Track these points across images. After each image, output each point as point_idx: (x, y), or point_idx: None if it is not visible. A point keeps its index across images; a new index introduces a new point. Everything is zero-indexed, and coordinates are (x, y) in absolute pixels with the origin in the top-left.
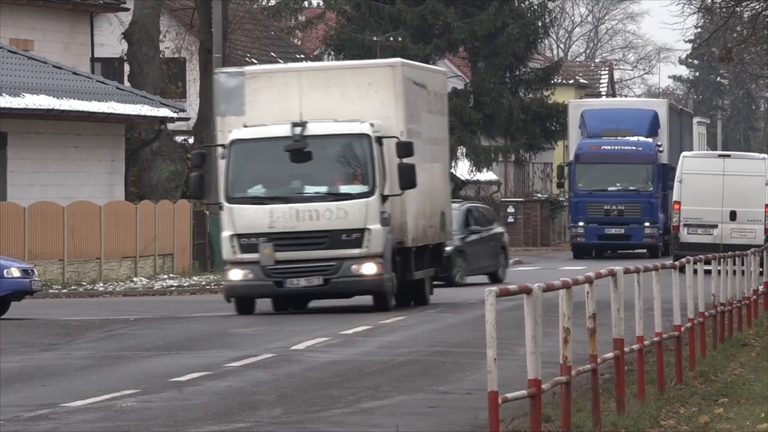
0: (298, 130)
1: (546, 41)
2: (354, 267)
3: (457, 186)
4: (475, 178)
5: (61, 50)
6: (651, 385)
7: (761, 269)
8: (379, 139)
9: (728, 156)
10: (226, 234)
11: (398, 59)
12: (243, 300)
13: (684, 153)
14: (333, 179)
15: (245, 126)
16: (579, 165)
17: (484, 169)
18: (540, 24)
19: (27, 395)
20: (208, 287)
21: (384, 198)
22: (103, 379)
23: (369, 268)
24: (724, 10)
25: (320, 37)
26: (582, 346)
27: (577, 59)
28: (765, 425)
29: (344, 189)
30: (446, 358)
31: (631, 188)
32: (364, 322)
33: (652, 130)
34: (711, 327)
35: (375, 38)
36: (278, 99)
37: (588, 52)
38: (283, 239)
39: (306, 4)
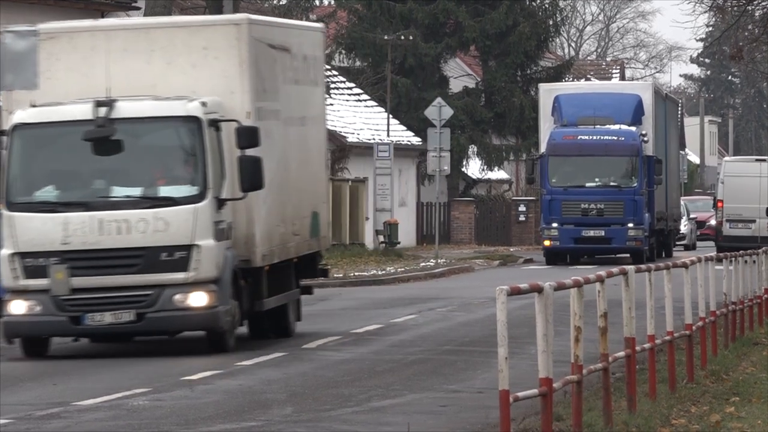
0: (102, 111)
1: (557, 40)
2: (178, 297)
3: (468, 185)
4: (486, 177)
5: None
6: (662, 384)
7: None
8: (215, 123)
9: (764, 160)
10: (5, 253)
11: (245, 15)
12: (30, 341)
13: (726, 158)
14: (150, 178)
15: (33, 105)
16: (552, 158)
17: (496, 168)
18: (551, 23)
19: (38, 394)
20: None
21: (220, 203)
22: (114, 378)
23: (198, 299)
24: (735, 8)
25: (331, 36)
26: (593, 345)
27: (589, 58)
28: None
29: (165, 191)
30: (457, 356)
31: (611, 184)
32: (375, 320)
33: (636, 117)
34: (722, 326)
35: (386, 37)
36: (82, 68)
37: (599, 50)
38: (82, 260)
39: (317, 2)
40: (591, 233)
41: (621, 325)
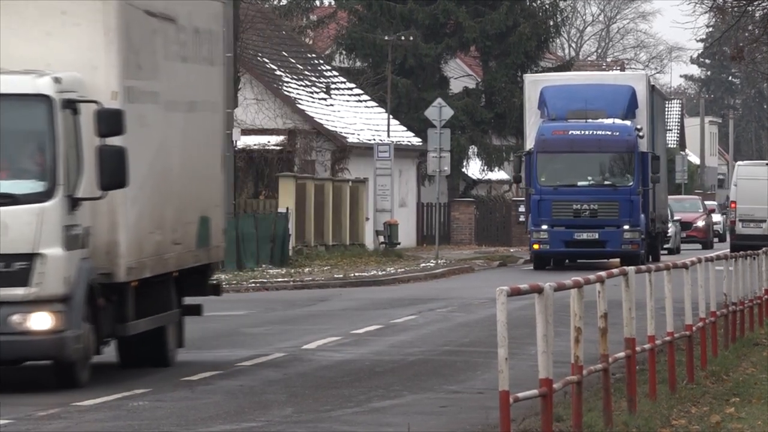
0: None
1: (557, 40)
2: (15, 318)
3: (469, 185)
4: (486, 178)
5: None
6: (662, 385)
7: None
8: (71, 104)
9: None
10: None
11: None
12: None
13: (738, 162)
14: None
15: None
16: (541, 155)
17: (496, 169)
18: (551, 23)
19: (39, 394)
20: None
21: (74, 203)
22: (115, 378)
23: (41, 321)
24: (735, 9)
25: (332, 37)
26: (593, 346)
27: (589, 58)
28: None
29: (4, 187)
30: (457, 357)
31: (606, 183)
32: (375, 321)
33: (629, 110)
34: (722, 326)
35: (386, 37)
36: None
37: (600, 51)
38: None
39: (317, 3)
40: (584, 236)
41: (621, 325)
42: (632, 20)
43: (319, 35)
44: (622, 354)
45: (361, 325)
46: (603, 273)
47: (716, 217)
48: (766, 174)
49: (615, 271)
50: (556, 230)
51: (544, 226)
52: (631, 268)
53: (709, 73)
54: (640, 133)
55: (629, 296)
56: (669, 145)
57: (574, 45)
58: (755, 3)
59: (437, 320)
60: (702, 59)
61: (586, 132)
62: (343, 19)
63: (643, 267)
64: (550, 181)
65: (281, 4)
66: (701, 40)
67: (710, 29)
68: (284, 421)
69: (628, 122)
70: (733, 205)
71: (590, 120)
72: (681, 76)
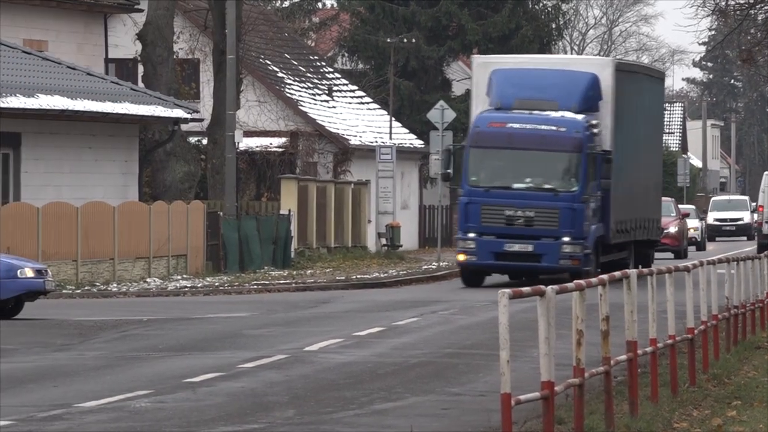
0: None
1: (560, 43)
2: None
3: None
4: None
5: (75, 51)
6: (664, 388)
7: None
8: None
9: None
10: None
11: None
12: None
13: (766, 172)
14: None
15: None
16: (473, 150)
17: None
18: (554, 26)
19: (40, 395)
20: (221, 288)
21: None
22: (117, 380)
23: None
24: (738, 12)
25: (334, 39)
26: (595, 348)
27: None
28: None
29: None
30: (459, 359)
31: (545, 186)
32: (377, 323)
33: (588, 102)
34: (724, 330)
35: (389, 39)
36: None
37: (602, 54)
38: None
39: (320, 5)
40: (516, 247)
41: (623, 328)
42: (634, 23)
43: (321, 37)
44: (623, 357)
45: (363, 327)
46: (605, 276)
47: (692, 222)
48: None
49: (617, 273)
50: (485, 239)
51: (472, 234)
52: (633, 271)
53: (711, 76)
54: (596, 130)
55: (631, 299)
56: (671, 148)
57: (576, 48)
58: (757, 6)
59: (439, 323)
60: (704, 62)
61: (528, 126)
62: (345, 22)
63: (645, 270)
64: (481, 182)
65: (284, 6)
66: (703, 44)
67: (712, 32)
68: (286, 423)
69: (581, 116)
70: (761, 209)
71: (536, 112)
72: (683, 80)
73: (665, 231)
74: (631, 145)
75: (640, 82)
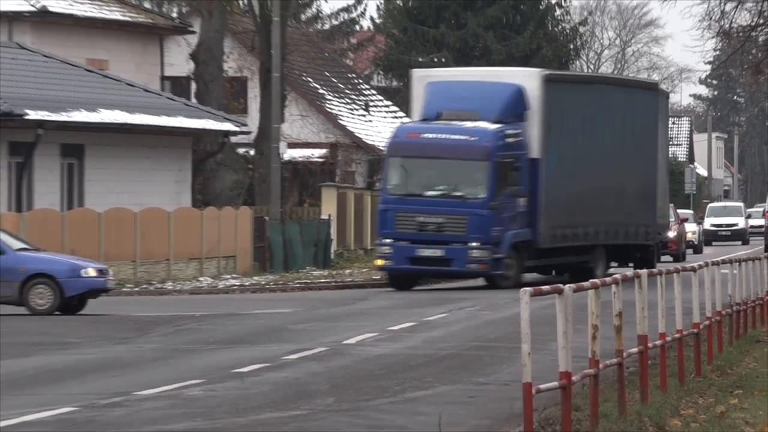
0: None
1: (577, 62)
2: None
3: None
4: None
5: (134, 69)
6: (672, 378)
7: None
8: None
9: None
10: None
11: None
12: None
13: None
14: None
15: None
16: (391, 159)
17: None
18: (572, 47)
19: (102, 384)
20: (267, 286)
21: None
22: (172, 370)
23: None
24: (740, 34)
25: (370, 58)
26: (609, 342)
27: None
28: None
29: None
30: (484, 352)
31: (455, 194)
32: (410, 318)
33: (510, 112)
34: (727, 325)
35: (420, 59)
36: None
37: (615, 72)
38: None
39: (357, 27)
40: (427, 253)
41: (634, 323)
42: (646, 44)
43: (358, 57)
44: (635, 349)
45: (397, 323)
46: (618, 276)
47: (690, 227)
48: None
49: (629, 273)
50: (400, 245)
51: (388, 240)
52: (644, 272)
53: (716, 92)
54: (511, 139)
55: (642, 297)
56: (679, 159)
57: (592, 67)
58: (758, 29)
59: (466, 318)
60: (710, 80)
61: (442, 136)
62: (380, 43)
63: (654, 270)
64: (398, 190)
65: (324, 28)
66: (709, 63)
67: (717, 53)
68: (326, 409)
69: (494, 126)
70: (767, 214)
71: (454, 122)
72: (690, 96)
73: None
74: (581, 152)
75: (603, 92)
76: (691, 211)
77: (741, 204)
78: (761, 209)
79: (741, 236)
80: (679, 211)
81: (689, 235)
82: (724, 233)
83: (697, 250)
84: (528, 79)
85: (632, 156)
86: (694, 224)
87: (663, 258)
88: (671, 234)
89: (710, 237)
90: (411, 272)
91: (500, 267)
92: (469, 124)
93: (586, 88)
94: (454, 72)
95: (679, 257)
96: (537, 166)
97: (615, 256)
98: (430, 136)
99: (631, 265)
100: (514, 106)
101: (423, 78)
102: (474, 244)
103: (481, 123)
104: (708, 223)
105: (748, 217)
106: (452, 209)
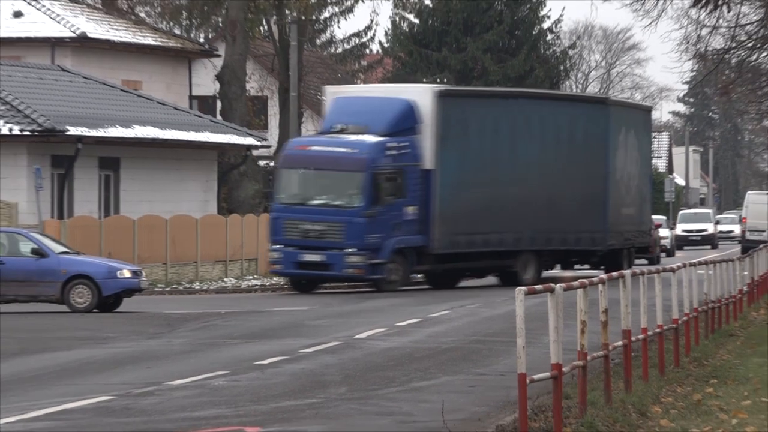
0: None
1: (567, 82)
2: None
3: None
4: None
5: (164, 89)
6: (653, 369)
7: (746, 273)
8: None
9: None
10: None
11: None
12: None
13: (749, 192)
14: None
15: None
16: (281, 170)
17: None
18: (562, 68)
19: (136, 375)
20: (285, 286)
21: None
22: (199, 362)
23: None
24: (715, 56)
25: (379, 79)
26: (596, 336)
27: None
28: (748, 402)
29: None
30: (483, 345)
31: (334, 203)
32: (415, 315)
33: (399, 125)
34: (703, 320)
35: (424, 80)
36: None
37: (602, 91)
38: None
39: (367, 51)
40: (310, 258)
41: (619, 319)
42: (629, 65)
43: (368, 77)
44: (619, 343)
45: (403, 319)
46: (605, 276)
47: (663, 232)
48: (767, 200)
49: (615, 274)
50: (288, 250)
51: (277, 246)
52: (627, 272)
53: (692, 109)
54: (395, 152)
55: (626, 295)
56: (659, 170)
57: (580, 86)
58: (731, 51)
59: (466, 315)
60: (687, 98)
61: (326, 148)
62: (388, 65)
63: (637, 270)
64: (286, 199)
65: (337, 52)
66: (686, 83)
67: (693, 73)
68: (339, 398)
69: (376, 138)
70: (744, 220)
71: (343, 135)
72: (669, 112)
73: None
74: (490, 163)
75: (524, 105)
76: (664, 217)
77: (710, 211)
78: (729, 216)
79: (710, 241)
80: (653, 217)
81: (662, 240)
82: (694, 238)
83: (670, 253)
84: (421, 94)
85: (570, 166)
86: (667, 230)
87: (638, 261)
88: None
89: (681, 242)
90: (298, 276)
91: (379, 272)
92: (352, 137)
93: (493, 102)
94: (359, 88)
95: (654, 260)
96: (431, 176)
97: (560, 260)
98: (317, 148)
99: (586, 267)
100: (404, 120)
101: (333, 94)
102: (350, 250)
103: (364, 136)
104: (679, 228)
105: (717, 223)
106: (331, 217)
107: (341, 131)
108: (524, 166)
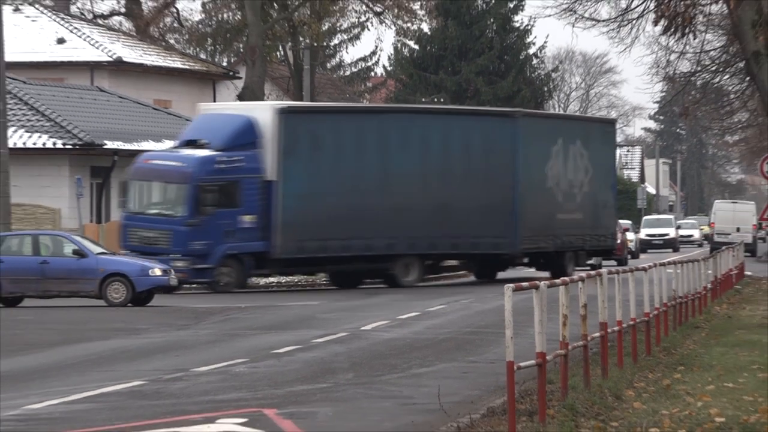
0: None
1: (550, 102)
2: None
3: None
4: None
5: (192, 108)
6: (627, 357)
7: (710, 271)
8: None
9: (735, 202)
10: None
11: None
12: None
13: (716, 201)
14: None
15: None
16: (129, 182)
17: None
18: (546, 89)
19: (166, 362)
20: (299, 284)
21: None
22: (222, 351)
23: None
24: (682, 79)
25: (383, 99)
26: (576, 328)
27: None
28: (712, 387)
29: None
30: (475, 336)
31: (164, 213)
32: (415, 309)
33: (238, 140)
34: (672, 314)
35: (423, 99)
36: None
37: (581, 110)
38: None
39: (372, 73)
40: None
41: (597, 313)
42: (606, 87)
43: (373, 97)
44: (597, 334)
45: (404, 312)
46: (584, 274)
47: (629, 236)
48: (732, 208)
49: (593, 273)
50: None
51: (125, 252)
52: (604, 271)
53: (662, 126)
54: (223, 165)
55: (603, 291)
56: (633, 180)
57: (562, 105)
58: (696, 74)
59: (460, 309)
60: (657, 116)
61: (163, 162)
62: (391, 86)
63: (613, 270)
64: (131, 208)
65: (345, 74)
66: (657, 102)
67: (663, 93)
68: (347, 383)
69: (205, 153)
70: (712, 225)
71: (181, 150)
72: (642, 129)
73: None
74: (348, 174)
75: (400, 120)
76: (629, 222)
77: (672, 217)
78: (690, 221)
79: (671, 244)
80: (620, 221)
81: (629, 243)
82: (656, 242)
83: (635, 255)
84: (263, 112)
85: (468, 175)
86: (632, 233)
87: (607, 263)
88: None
89: (645, 245)
90: None
91: (207, 275)
92: (186, 152)
93: (350, 117)
94: (221, 106)
95: (622, 261)
96: (273, 187)
97: (479, 265)
98: (156, 162)
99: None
100: (243, 136)
101: (202, 111)
102: (174, 256)
103: (196, 151)
104: (643, 233)
105: (678, 228)
106: (161, 226)
107: (186, 146)
108: (399, 177)
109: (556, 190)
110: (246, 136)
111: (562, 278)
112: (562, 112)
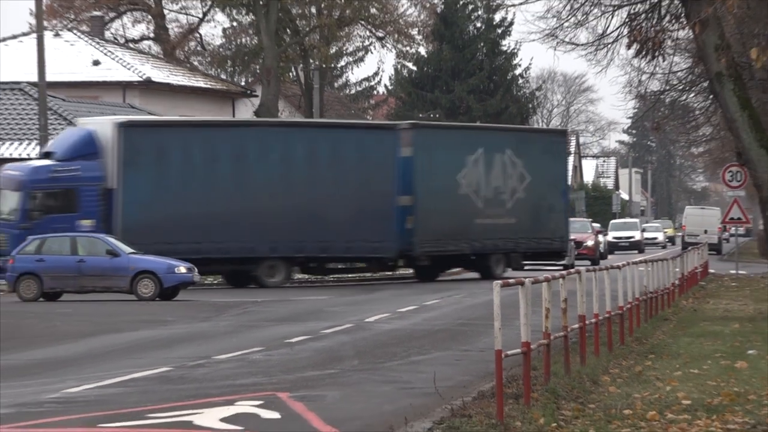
0: None
1: (534, 117)
2: None
3: None
4: None
5: None
6: (603, 346)
7: (677, 269)
8: None
9: (704, 208)
10: None
11: None
12: None
13: (687, 207)
14: None
15: None
16: None
17: None
18: (531, 106)
19: (189, 351)
20: (309, 280)
21: None
22: (240, 340)
23: None
24: (652, 96)
25: (384, 114)
26: (557, 320)
27: None
28: (679, 373)
29: None
30: (467, 327)
31: (5, 217)
32: (413, 303)
33: (78, 151)
34: (643, 307)
35: (420, 115)
36: None
37: (562, 124)
38: None
39: (375, 92)
40: None
41: (576, 306)
42: (584, 104)
43: (376, 114)
44: (576, 326)
45: (404, 306)
46: (564, 272)
47: (602, 238)
48: (700, 213)
49: (573, 270)
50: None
51: None
52: (582, 269)
53: (635, 139)
54: (58, 174)
55: (581, 287)
56: (608, 187)
57: (545, 120)
58: (665, 93)
59: (454, 303)
60: (630, 130)
61: (10, 172)
62: (392, 103)
63: (591, 268)
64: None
65: (351, 93)
66: (630, 117)
67: (635, 110)
68: (352, 369)
69: (40, 163)
70: (684, 228)
71: (34, 161)
72: (616, 141)
73: (584, 244)
74: (198, 182)
75: (260, 133)
76: (598, 225)
77: (637, 220)
78: (654, 225)
79: (637, 246)
80: (594, 224)
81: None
82: (623, 244)
83: (603, 257)
84: (103, 126)
85: (339, 184)
86: (601, 236)
87: (582, 263)
88: (590, 243)
89: (612, 247)
90: None
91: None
92: (30, 162)
93: (199, 130)
94: (86, 121)
95: (595, 261)
96: (113, 194)
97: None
98: (8, 172)
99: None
100: (83, 147)
101: (77, 125)
102: (7, 257)
103: (34, 161)
104: (611, 235)
105: (643, 231)
106: (2, 229)
107: (43, 157)
108: (258, 185)
109: (475, 196)
110: (87, 147)
111: (545, 276)
112: (545, 126)
